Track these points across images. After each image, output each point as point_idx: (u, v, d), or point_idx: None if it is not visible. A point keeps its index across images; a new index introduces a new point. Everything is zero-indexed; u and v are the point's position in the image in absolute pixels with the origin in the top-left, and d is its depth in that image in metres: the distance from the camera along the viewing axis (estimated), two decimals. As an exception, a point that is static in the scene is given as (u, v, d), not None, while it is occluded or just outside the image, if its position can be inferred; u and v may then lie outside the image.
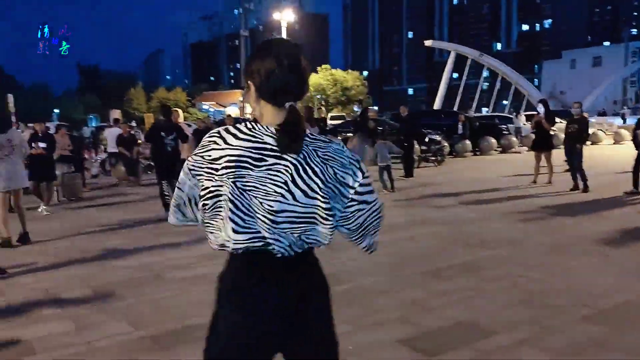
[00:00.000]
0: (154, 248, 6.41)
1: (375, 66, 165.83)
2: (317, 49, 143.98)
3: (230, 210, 1.49)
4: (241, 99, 41.69)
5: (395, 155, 11.85)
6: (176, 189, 1.68)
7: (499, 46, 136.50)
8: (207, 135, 1.57)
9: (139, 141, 14.03)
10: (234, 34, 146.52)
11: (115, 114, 32.78)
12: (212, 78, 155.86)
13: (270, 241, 1.51)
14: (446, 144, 17.31)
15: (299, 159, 1.51)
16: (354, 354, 3.38)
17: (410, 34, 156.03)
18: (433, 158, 16.23)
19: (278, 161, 1.50)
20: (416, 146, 14.60)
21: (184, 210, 1.69)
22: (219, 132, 1.55)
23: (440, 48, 76.58)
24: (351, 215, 1.62)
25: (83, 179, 12.09)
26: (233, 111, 42.31)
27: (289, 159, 1.51)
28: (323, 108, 24.88)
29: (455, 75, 58.70)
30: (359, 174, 1.60)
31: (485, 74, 51.17)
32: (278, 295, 1.55)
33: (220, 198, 1.51)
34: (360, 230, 1.66)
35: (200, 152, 1.55)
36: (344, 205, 1.59)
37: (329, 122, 27.68)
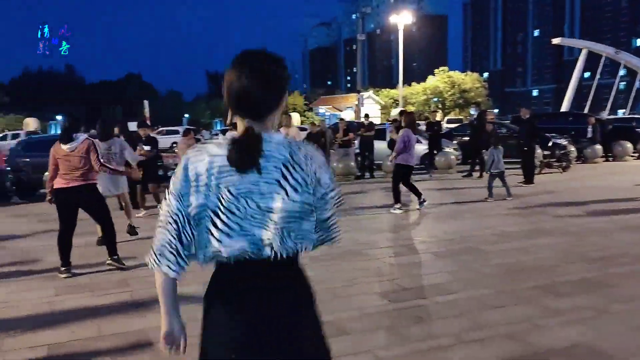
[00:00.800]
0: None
1: (497, 67, 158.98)
2: (434, 51, 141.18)
3: (227, 217, 1.49)
4: (356, 102, 42.02)
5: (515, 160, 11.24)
6: (165, 223, 1.53)
7: (639, 42, 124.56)
8: (190, 152, 1.55)
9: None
10: (352, 38, 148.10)
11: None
12: (329, 82, 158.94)
13: (266, 242, 1.50)
14: (573, 148, 16.08)
15: (287, 156, 1.52)
16: (454, 370, 3.22)
17: (536, 32, 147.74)
18: (557, 164, 15.13)
19: (267, 163, 1.50)
20: (538, 151, 13.71)
21: (181, 247, 1.54)
22: (199, 147, 1.55)
23: (570, 46, 71.40)
24: (323, 209, 1.62)
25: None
26: (348, 115, 42.73)
27: (278, 156, 1.51)
28: (439, 112, 24.27)
29: (586, 74, 54.49)
30: (330, 173, 1.64)
31: (622, 72, 46.87)
32: (269, 301, 1.54)
33: (207, 209, 1.51)
34: (325, 223, 1.65)
35: (180, 174, 1.53)
36: (318, 201, 1.60)
37: (445, 125, 26.97)
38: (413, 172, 9.20)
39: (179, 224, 1.52)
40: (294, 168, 1.52)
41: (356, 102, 42.37)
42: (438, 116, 17.94)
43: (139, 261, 6.06)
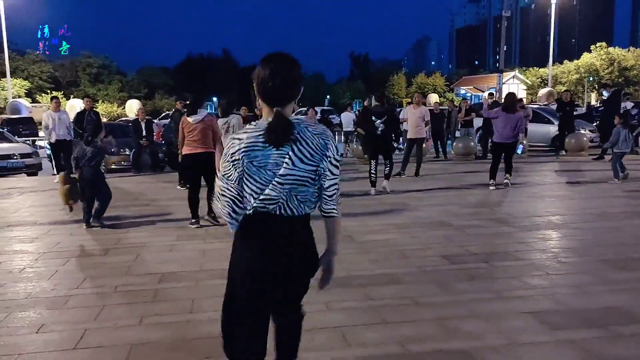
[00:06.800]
0: (357, 215, 7.14)
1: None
2: (596, 26, 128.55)
3: (251, 182, 2.00)
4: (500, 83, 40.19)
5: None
6: (223, 190, 2.05)
7: None
8: (228, 143, 2.04)
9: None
10: (501, 15, 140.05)
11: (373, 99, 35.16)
12: (476, 62, 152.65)
13: (277, 200, 1.99)
14: None
15: (296, 135, 1.97)
16: None
17: None
18: None
19: None
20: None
21: (238, 210, 2.06)
22: (233, 138, 2.03)
23: None
24: (324, 176, 2.06)
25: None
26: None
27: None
28: (596, 91, 22.58)
29: None
30: (335, 149, 2.08)
31: None
32: (277, 245, 2.04)
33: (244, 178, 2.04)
34: (326, 191, 2.08)
35: (225, 158, 2.03)
36: (323, 169, 2.05)
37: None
38: (538, 151, 9.21)
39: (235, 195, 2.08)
40: (300, 144, 1.98)
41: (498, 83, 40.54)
42: (597, 97, 16.82)
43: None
